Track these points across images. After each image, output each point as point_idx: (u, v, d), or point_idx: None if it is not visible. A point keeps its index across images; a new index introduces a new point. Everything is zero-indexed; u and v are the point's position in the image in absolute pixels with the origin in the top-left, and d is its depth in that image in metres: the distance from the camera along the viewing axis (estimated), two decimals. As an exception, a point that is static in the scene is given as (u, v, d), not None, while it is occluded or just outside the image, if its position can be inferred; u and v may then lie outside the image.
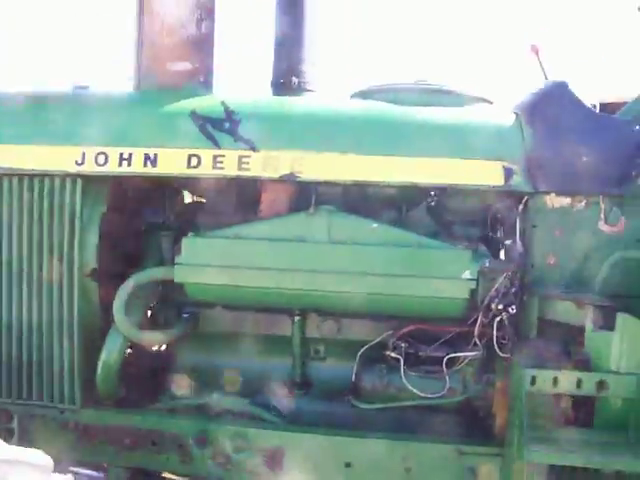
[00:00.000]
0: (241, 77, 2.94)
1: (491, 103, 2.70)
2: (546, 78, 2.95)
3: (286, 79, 2.65)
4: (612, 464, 2.10)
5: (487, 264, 2.41)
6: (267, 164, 2.45)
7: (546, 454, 2.09)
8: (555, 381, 2.20)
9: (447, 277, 2.36)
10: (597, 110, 2.63)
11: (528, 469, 2.18)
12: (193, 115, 2.48)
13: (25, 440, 2.55)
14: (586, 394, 2.22)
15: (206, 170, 2.46)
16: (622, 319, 2.20)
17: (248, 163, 2.45)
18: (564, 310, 2.37)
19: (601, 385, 2.20)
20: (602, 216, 2.45)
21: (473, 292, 2.37)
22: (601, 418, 2.25)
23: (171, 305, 2.70)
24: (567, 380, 2.20)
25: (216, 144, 2.46)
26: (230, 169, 2.45)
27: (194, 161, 2.46)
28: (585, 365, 2.28)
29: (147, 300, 2.64)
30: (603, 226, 2.46)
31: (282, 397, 2.65)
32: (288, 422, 2.56)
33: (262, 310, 2.67)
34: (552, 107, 2.49)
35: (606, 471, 2.18)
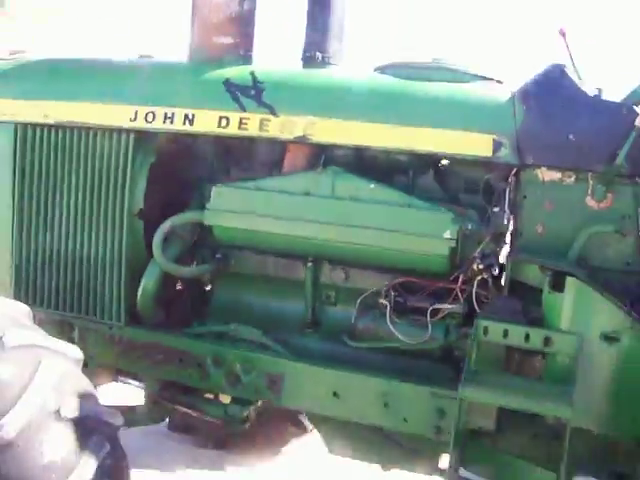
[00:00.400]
0: (281, 51, 3.28)
1: (500, 82, 2.91)
2: (572, 61, 3.09)
3: (312, 53, 2.99)
4: (529, 406, 2.34)
5: (469, 227, 2.67)
6: (284, 127, 2.82)
7: (473, 392, 2.35)
8: (505, 333, 2.45)
9: (429, 235, 2.65)
10: (601, 94, 2.75)
11: (471, 407, 2.45)
12: (227, 83, 2.89)
13: (82, 349, 3.11)
14: (533, 348, 2.46)
15: (233, 130, 2.87)
16: (571, 282, 2.42)
17: (268, 126, 2.83)
18: (531, 273, 2.59)
19: (547, 341, 2.43)
20: (590, 192, 2.63)
21: (454, 251, 2.64)
22: (548, 371, 2.48)
23: (206, 246, 3.14)
24: (516, 333, 2.45)
25: (242, 108, 2.86)
26: (253, 130, 2.85)
27: (224, 122, 2.87)
28: (538, 322, 2.51)
29: (185, 239, 3.09)
30: (590, 201, 2.63)
31: (291, 332, 3.04)
32: (291, 353, 2.94)
33: (281, 255, 3.04)
34: (545, 86, 2.67)
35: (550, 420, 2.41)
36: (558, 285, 2.47)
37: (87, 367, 3.04)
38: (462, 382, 2.35)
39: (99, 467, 2.12)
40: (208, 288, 3.25)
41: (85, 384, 2.30)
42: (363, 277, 2.96)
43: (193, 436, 4.48)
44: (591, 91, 2.70)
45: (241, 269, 3.18)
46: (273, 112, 2.83)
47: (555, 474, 2.30)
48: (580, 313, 2.44)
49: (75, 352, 2.33)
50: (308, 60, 3.02)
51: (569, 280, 2.42)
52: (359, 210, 2.74)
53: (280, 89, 2.87)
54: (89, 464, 2.08)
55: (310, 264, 2.98)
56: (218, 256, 3.13)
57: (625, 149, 2.48)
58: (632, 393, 2.35)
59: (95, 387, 3.25)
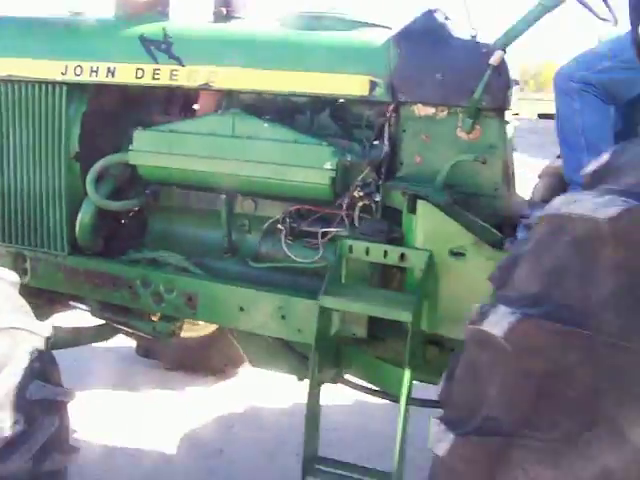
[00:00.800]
0: (200, 7, 3.63)
1: (389, 28, 3.24)
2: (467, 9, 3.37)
3: (218, 9, 3.35)
4: (376, 312, 2.75)
5: (348, 158, 3.04)
6: (190, 76, 3.20)
7: (331, 301, 2.74)
8: (367, 251, 2.84)
9: (312, 167, 3.02)
10: (476, 37, 3.02)
11: (346, 316, 2.86)
12: (141, 38, 3.27)
13: (34, 277, 3.57)
14: (391, 263, 2.85)
15: (147, 80, 3.25)
16: (422, 204, 2.79)
17: (177, 75, 3.21)
18: (397, 199, 2.96)
19: (402, 257, 2.82)
20: (460, 125, 2.97)
21: (334, 180, 3.01)
22: (406, 284, 2.87)
23: (137, 183, 3.55)
24: (376, 251, 2.83)
25: (155, 60, 3.23)
26: (164, 80, 3.23)
27: (140, 73, 3.26)
28: (399, 242, 2.89)
29: (115, 178, 3.51)
30: (460, 133, 2.96)
31: (211, 258, 3.46)
32: (207, 275, 3.36)
33: (200, 189, 3.45)
34: (416, 30, 2.98)
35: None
36: (414, 208, 2.83)
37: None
38: (322, 293, 2.74)
39: (28, 367, 2.54)
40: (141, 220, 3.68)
41: (19, 302, 2.69)
42: (269, 206, 3.34)
43: (160, 360, 5.01)
44: (461, 34, 3.00)
45: (170, 203, 3.58)
46: (181, 63, 3.20)
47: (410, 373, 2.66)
48: (430, 232, 2.81)
49: (11, 275, 2.71)
50: (215, 15, 3.38)
51: (420, 203, 2.79)
52: (254, 147, 3.12)
53: (187, 42, 3.24)
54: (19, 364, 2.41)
55: (224, 196, 3.38)
56: (147, 192, 3.54)
57: (481, 84, 2.79)
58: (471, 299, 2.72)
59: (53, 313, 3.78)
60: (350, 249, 2.86)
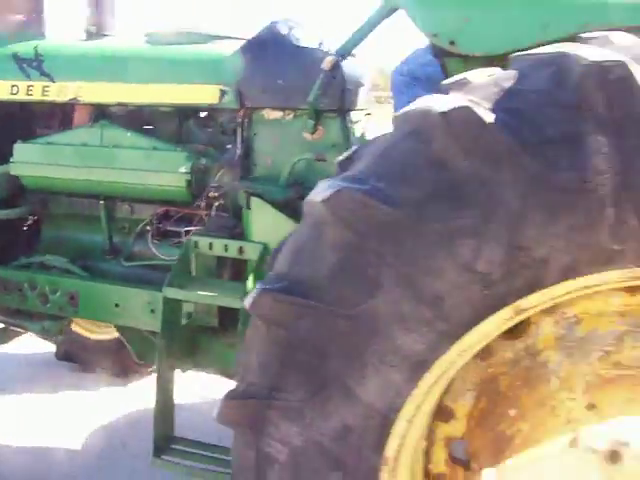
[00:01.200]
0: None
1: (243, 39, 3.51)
2: None
3: (87, 27, 3.62)
4: (210, 300, 3.01)
5: (203, 162, 3.30)
6: (60, 92, 3.45)
7: (173, 292, 3.00)
8: (210, 246, 3.10)
9: (169, 171, 3.28)
10: (322, 45, 3.28)
11: (198, 307, 3.12)
12: (15, 56, 3.52)
13: None
14: (232, 256, 3.10)
15: (22, 96, 3.51)
16: (254, 201, 3.05)
17: (48, 91, 3.47)
18: (242, 197, 3.22)
19: (241, 250, 3.08)
20: (304, 126, 3.22)
21: (190, 183, 3.27)
22: (245, 275, 3.13)
23: (26, 193, 3.79)
24: (218, 245, 3.09)
25: (28, 77, 3.49)
26: (37, 95, 3.49)
27: (15, 90, 3.51)
28: (241, 236, 3.15)
29: (2, 188, 3.75)
30: (305, 134, 3.22)
31: (95, 259, 3.71)
32: (89, 275, 3.61)
33: (82, 196, 3.69)
34: (261, 41, 3.24)
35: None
36: (249, 204, 3.09)
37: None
38: (165, 285, 3.00)
39: None
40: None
41: None
42: (144, 209, 3.60)
43: (77, 362, 5.23)
44: (304, 43, 3.26)
45: (58, 210, 3.83)
46: (51, 79, 3.46)
47: None
48: (264, 226, 3.07)
49: None
50: (86, 33, 3.65)
51: (253, 200, 3.05)
52: (120, 155, 3.38)
53: (56, 60, 3.50)
54: None
55: (102, 202, 3.63)
56: (33, 200, 3.79)
57: (315, 88, 3.05)
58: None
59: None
60: (196, 245, 3.11)
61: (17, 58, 3.52)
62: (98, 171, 3.43)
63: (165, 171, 3.29)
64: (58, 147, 3.50)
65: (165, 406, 3.02)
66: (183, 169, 3.26)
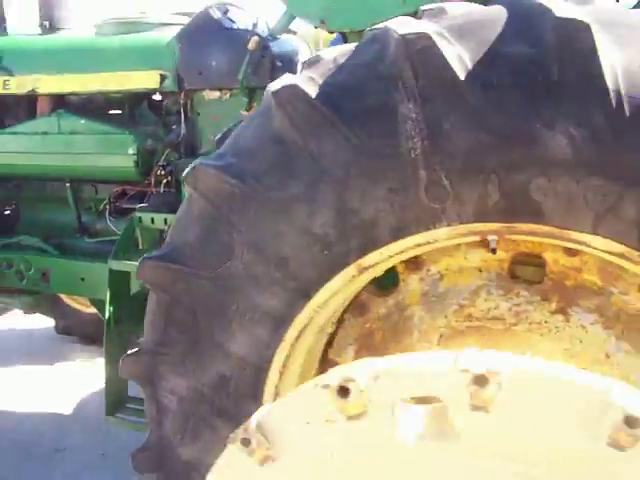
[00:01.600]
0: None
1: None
2: None
3: (42, 22, 3.86)
4: None
5: (149, 143, 3.54)
6: (19, 85, 3.73)
7: (116, 264, 3.25)
8: (152, 220, 3.33)
9: (118, 153, 3.53)
10: (255, 27, 3.46)
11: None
12: None
13: None
14: None
15: None
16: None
17: (9, 85, 3.74)
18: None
19: (165, 221, 3.29)
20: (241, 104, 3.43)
21: (138, 163, 3.51)
22: None
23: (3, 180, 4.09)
24: (159, 220, 3.32)
25: None
26: (0, 89, 3.76)
27: None
28: None
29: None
30: (242, 112, 3.43)
31: (67, 238, 3.99)
32: (59, 253, 3.89)
33: (50, 180, 3.97)
34: (193, 27, 3.47)
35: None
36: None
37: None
38: (110, 258, 3.25)
39: None
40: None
41: None
42: (106, 190, 3.86)
43: (76, 335, 5.57)
44: (237, 26, 3.46)
45: (31, 194, 4.13)
46: (11, 74, 3.73)
47: None
48: None
49: None
50: (41, 28, 3.90)
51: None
52: (75, 141, 3.64)
53: (14, 55, 3.77)
54: None
55: (68, 184, 3.90)
56: (9, 186, 4.09)
57: (242, 68, 3.26)
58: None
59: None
60: (140, 220, 3.36)
61: None
62: (57, 157, 3.70)
63: (115, 153, 3.54)
64: (22, 136, 3.78)
65: (115, 371, 3.28)
66: (130, 150, 3.50)
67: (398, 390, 1.26)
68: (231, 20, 3.48)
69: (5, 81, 3.75)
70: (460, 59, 1.73)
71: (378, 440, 1.30)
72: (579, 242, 1.78)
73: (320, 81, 1.90)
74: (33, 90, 3.70)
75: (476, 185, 1.76)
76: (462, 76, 1.71)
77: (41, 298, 4.13)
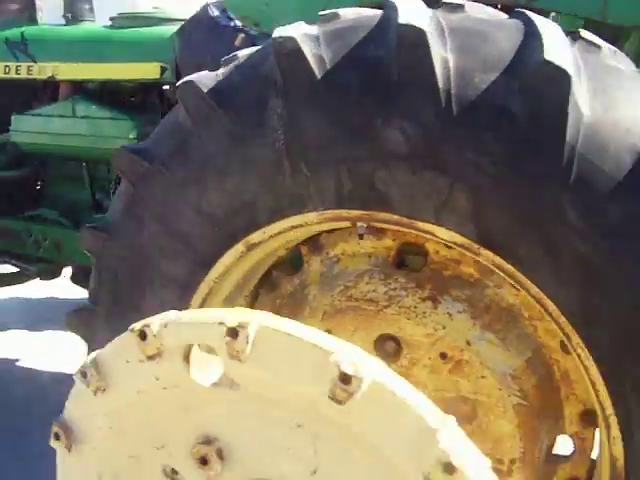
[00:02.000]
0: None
1: None
2: None
3: (65, 14, 4.26)
4: None
5: (148, 129, 3.85)
6: (41, 71, 4.13)
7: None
8: None
9: (121, 137, 3.88)
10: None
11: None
12: (6, 40, 4.22)
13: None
14: None
15: (13, 75, 4.21)
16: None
17: (32, 71, 4.15)
18: None
19: None
20: None
21: None
22: None
23: (28, 156, 4.51)
24: None
25: (17, 59, 4.18)
26: (24, 74, 4.18)
27: (7, 70, 4.21)
28: None
29: (8, 153, 4.48)
30: None
31: (83, 214, 4.38)
32: (73, 227, 4.28)
33: (69, 159, 4.37)
34: (193, 23, 3.77)
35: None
36: None
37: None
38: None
39: None
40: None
41: None
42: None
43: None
44: (234, 23, 3.75)
45: (53, 171, 4.54)
46: (34, 60, 4.14)
47: None
48: None
49: None
50: (65, 19, 4.29)
51: None
52: (86, 124, 4.02)
53: (38, 43, 4.17)
54: None
55: (84, 164, 4.29)
56: (33, 163, 4.52)
57: None
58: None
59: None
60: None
61: (8, 42, 4.22)
62: (72, 138, 4.08)
63: (119, 137, 3.88)
64: (43, 118, 4.18)
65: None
66: (131, 135, 3.85)
67: (182, 338, 1.52)
68: (228, 18, 3.76)
69: (29, 67, 4.16)
70: (321, 61, 1.96)
71: (174, 377, 1.56)
72: (427, 232, 1.97)
73: (218, 79, 2.17)
74: (52, 76, 4.10)
75: (331, 174, 1.98)
76: (319, 76, 1.94)
77: (56, 267, 4.54)
